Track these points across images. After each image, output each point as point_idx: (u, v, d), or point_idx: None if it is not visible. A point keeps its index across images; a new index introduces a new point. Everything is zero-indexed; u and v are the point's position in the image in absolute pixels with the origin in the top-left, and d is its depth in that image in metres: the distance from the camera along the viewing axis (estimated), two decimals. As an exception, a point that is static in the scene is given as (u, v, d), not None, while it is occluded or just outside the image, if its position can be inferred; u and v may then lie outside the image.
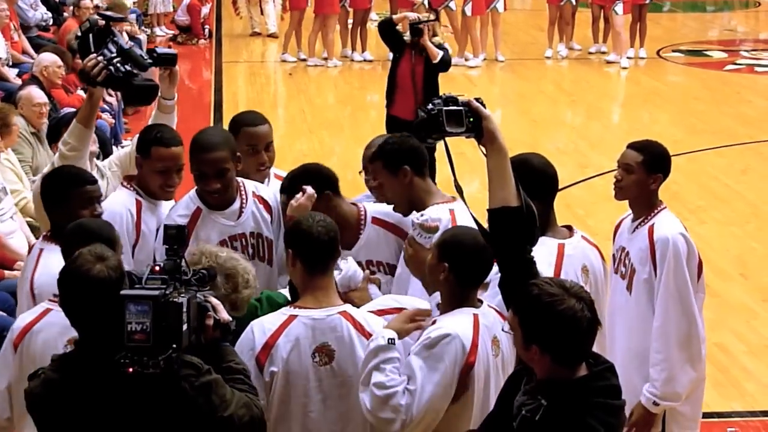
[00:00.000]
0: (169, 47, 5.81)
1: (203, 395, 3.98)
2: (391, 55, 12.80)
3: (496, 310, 4.77)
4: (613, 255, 5.97)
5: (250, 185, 5.90)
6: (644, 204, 5.82)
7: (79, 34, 5.82)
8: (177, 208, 5.78)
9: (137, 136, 5.98)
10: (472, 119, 4.37)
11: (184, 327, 3.86)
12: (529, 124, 16.02)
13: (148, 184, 5.81)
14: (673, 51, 21.31)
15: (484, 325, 4.68)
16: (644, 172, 5.79)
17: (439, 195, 5.60)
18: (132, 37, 17.55)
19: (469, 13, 19.59)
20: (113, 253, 4.17)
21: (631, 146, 5.93)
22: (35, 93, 10.77)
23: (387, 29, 12.10)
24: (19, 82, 13.44)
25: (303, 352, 4.71)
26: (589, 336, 3.91)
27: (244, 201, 5.82)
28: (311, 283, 4.80)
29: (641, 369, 5.72)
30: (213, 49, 21.67)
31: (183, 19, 22.03)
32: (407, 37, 11.82)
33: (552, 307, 3.85)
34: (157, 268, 3.93)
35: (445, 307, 4.77)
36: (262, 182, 6.05)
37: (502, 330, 4.55)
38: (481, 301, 4.81)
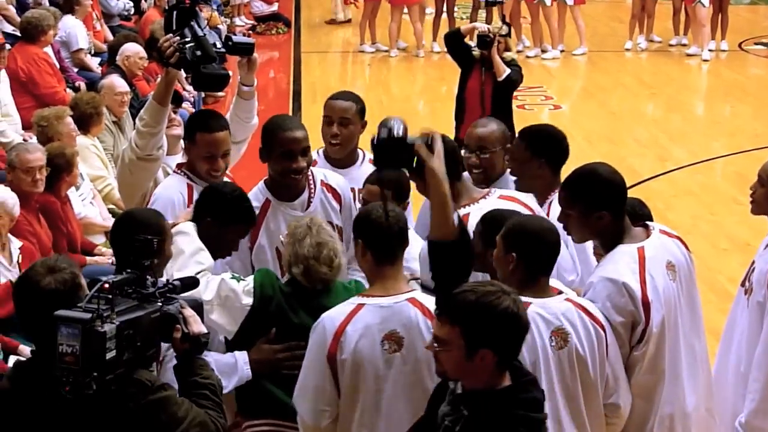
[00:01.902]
0: (248, 36, 5.85)
1: (150, 414, 3.93)
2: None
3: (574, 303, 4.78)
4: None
5: (318, 174, 5.97)
6: None
7: (167, 7, 5.91)
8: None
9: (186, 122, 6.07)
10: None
11: (109, 355, 3.74)
12: (609, 117, 15.93)
13: (196, 169, 5.86)
14: (755, 44, 21.04)
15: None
16: None
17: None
18: (213, 27, 17.73)
19: (570, 2, 19.37)
20: (69, 265, 4.06)
21: None
22: (117, 82, 10.91)
23: (454, 41, 11.04)
24: (100, 71, 13.62)
25: (372, 340, 4.73)
26: (525, 333, 3.99)
27: (312, 191, 5.89)
28: (380, 273, 4.84)
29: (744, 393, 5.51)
30: (292, 38, 21.75)
31: (261, 9, 22.13)
32: (476, 51, 10.80)
33: (495, 306, 3.87)
34: (107, 285, 3.81)
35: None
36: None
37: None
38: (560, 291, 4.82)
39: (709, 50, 19.58)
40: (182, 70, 5.97)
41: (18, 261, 7.69)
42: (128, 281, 3.96)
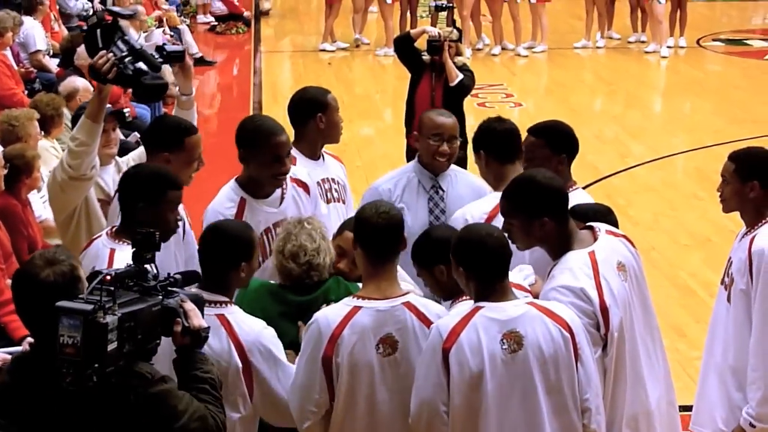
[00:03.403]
0: (177, 45, 5.96)
1: (151, 406, 3.93)
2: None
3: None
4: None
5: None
6: (750, 214, 5.62)
7: (85, 27, 5.86)
8: (221, 201, 5.85)
9: (148, 136, 6.01)
10: None
11: (110, 347, 3.73)
12: (569, 114, 15.98)
13: (181, 175, 5.75)
14: (713, 40, 21.19)
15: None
16: (738, 181, 5.61)
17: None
18: (172, 28, 17.68)
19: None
20: (68, 258, 4.04)
21: (729, 156, 5.73)
22: (80, 83, 10.86)
23: (403, 46, 10.51)
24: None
25: (367, 344, 4.76)
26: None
27: (285, 187, 5.97)
28: (374, 273, 4.87)
29: (740, 386, 5.55)
30: (252, 38, 21.71)
31: (220, 8, 22.06)
32: (426, 56, 10.34)
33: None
34: (108, 277, 3.81)
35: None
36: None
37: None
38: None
39: (668, 47, 19.68)
40: (120, 85, 5.96)
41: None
42: (130, 274, 3.97)
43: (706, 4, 24.60)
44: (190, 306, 4.13)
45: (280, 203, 5.94)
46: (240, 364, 4.82)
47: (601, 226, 5.20)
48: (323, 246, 5.31)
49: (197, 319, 4.12)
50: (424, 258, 5.15)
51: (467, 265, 4.70)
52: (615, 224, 5.47)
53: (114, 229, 5.40)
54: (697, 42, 20.78)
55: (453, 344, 4.57)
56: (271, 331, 4.94)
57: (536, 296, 5.01)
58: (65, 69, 12.57)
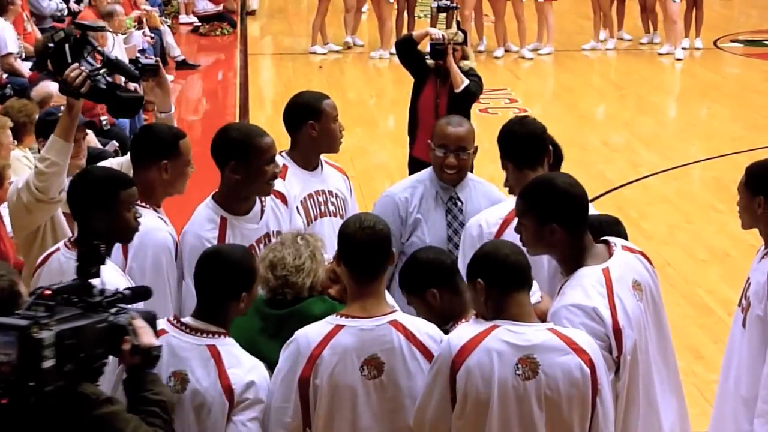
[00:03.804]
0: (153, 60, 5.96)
1: (95, 429, 3.93)
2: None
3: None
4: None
5: None
6: (766, 232, 5.59)
7: (51, 44, 5.85)
8: (200, 223, 5.82)
9: (139, 147, 5.98)
10: None
11: (46, 364, 3.73)
12: (577, 120, 16.00)
13: (176, 185, 5.84)
14: (731, 41, 21.23)
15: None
16: (748, 196, 5.59)
17: None
18: (153, 29, 17.70)
19: None
20: (8, 273, 4.08)
21: (746, 167, 5.73)
22: (53, 88, 10.84)
23: (406, 49, 10.38)
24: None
25: (350, 365, 4.72)
26: None
27: (263, 199, 5.97)
28: (359, 291, 4.84)
29: (752, 419, 5.45)
30: (238, 40, 21.74)
31: (205, 9, 22.09)
32: (430, 60, 10.23)
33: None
34: (47, 292, 3.83)
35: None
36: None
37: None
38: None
39: (683, 48, 19.71)
40: (94, 100, 5.97)
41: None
42: (72, 288, 3.96)
43: (723, 2, 24.65)
44: (140, 323, 4.14)
45: (261, 217, 5.94)
46: (226, 403, 4.74)
47: (617, 241, 5.19)
48: (308, 266, 5.22)
49: (148, 337, 4.13)
50: (413, 283, 5.15)
51: (488, 279, 4.65)
52: (624, 236, 5.47)
53: (71, 240, 5.42)
54: (714, 43, 20.82)
55: (463, 362, 4.55)
56: (263, 373, 4.84)
57: (542, 315, 4.99)
58: (39, 73, 12.57)
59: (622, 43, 20.69)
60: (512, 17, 19.62)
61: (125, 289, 4.22)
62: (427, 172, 6.54)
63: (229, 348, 4.81)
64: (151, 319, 4.26)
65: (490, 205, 6.22)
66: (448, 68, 10.09)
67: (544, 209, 4.97)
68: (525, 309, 4.69)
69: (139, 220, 5.34)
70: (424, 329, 4.82)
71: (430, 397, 4.63)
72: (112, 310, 4.07)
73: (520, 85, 18.28)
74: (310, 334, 4.78)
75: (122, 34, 15.70)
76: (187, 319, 4.83)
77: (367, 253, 4.82)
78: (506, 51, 19.85)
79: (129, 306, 4.19)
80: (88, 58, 5.75)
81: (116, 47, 14.93)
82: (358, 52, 20.34)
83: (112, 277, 4.95)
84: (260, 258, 5.28)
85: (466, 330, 4.68)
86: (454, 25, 12.21)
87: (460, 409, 4.58)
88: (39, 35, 15.55)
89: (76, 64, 5.68)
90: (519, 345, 4.58)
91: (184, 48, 19.74)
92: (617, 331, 4.88)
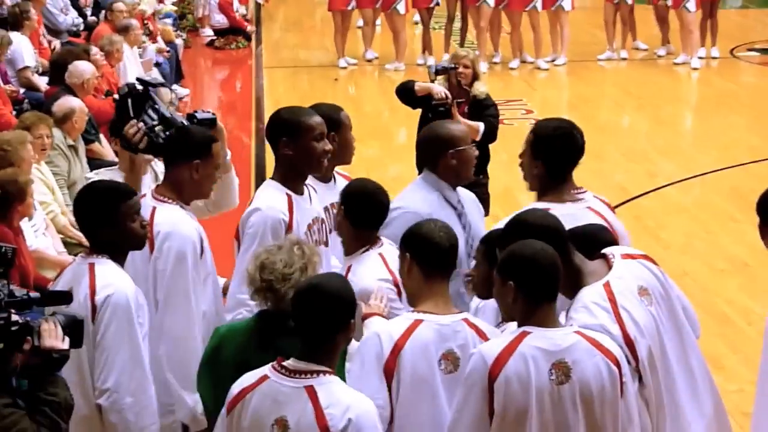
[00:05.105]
0: (210, 112, 6.07)
1: None
2: None
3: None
4: None
5: None
6: None
7: (117, 97, 6.17)
8: (271, 197, 5.94)
9: (175, 148, 6.06)
10: None
11: None
12: (594, 131, 15.99)
13: (203, 186, 5.97)
14: (748, 50, 21.24)
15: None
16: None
17: None
18: (168, 42, 17.80)
19: (568, 7, 19.50)
20: None
21: None
22: (75, 103, 10.95)
23: (404, 99, 10.01)
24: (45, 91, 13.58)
25: (430, 358, 4.90)
26: None
27: (309, 187, 6.18)
28: (430, 289, 5.05)
29: None
30: (253, 52, 21.82)
31: (220, 22, 22.19)
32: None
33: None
34: None
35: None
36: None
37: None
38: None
39: (699, 58, 19.73)
40: (152, 154, 6.19)
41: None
42: None
43: (738, 11, 24.68)
44: (46, 326, 4.30)
45: (310, 200, 6.11)
46: None
47: (615, 251, 5.20)
48: (296, 278, 5.10)
49: (51, 341, 4.28)
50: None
51: (522, 285, 4.68)
52: (611, 241, 5.41)
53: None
54: (731, 52, 20.83)
55: (499, 373, 4.60)
56: (365, 407, 4.62)
57: None
58: (56, 87, 12.64)
59: (638, 53, 20.71)
60: (528, 28, 19.67)
61: (32, 292, 4.38)
62: (423, 180, 6.51)
63: (329, 386, 4.60)
64: (72, 323, 4.44)
65: (475, 205, 6.56)
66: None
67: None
68: (552, 316, 4.77)
69: (146, 226, 5.52)
70: (490, 329, 5.04)
71: (462, 414, 4.67)
72: (12, 310, 4.23)
73: (536, 96, 18.32)
74: (392, 329, 4.95)
75: (138, 48, 15.83)
76: (290, 362, 4.64)
77: (446, 252, 5.09)
78: (522, 62, 19.90)
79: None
80: (149, 112, 6.01)
81: (131, 61, 15.08)
82: (375, 64, 20.40)
83: (109, 278, 5.27)
84: (255, 255, 5.32)
85: (495, 341, 4.76)
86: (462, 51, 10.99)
87: (500, 420, 4.62)
88: (57, 48, 15.65)
89: (134, 121, 5.98)
90: (550, 350, 4.66)
91: (199, 61, 19.79)
92: (629, 343, 4.93)
